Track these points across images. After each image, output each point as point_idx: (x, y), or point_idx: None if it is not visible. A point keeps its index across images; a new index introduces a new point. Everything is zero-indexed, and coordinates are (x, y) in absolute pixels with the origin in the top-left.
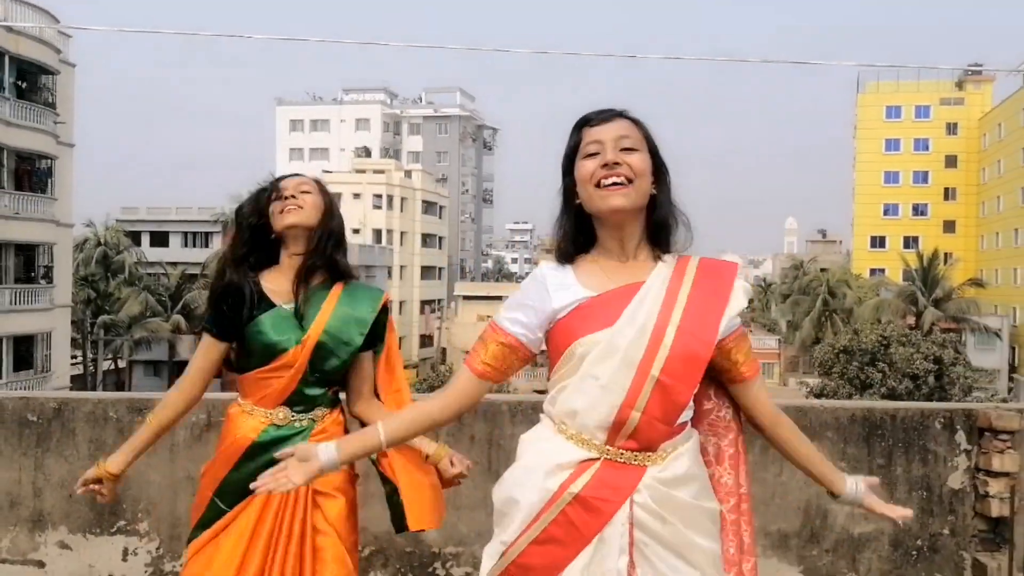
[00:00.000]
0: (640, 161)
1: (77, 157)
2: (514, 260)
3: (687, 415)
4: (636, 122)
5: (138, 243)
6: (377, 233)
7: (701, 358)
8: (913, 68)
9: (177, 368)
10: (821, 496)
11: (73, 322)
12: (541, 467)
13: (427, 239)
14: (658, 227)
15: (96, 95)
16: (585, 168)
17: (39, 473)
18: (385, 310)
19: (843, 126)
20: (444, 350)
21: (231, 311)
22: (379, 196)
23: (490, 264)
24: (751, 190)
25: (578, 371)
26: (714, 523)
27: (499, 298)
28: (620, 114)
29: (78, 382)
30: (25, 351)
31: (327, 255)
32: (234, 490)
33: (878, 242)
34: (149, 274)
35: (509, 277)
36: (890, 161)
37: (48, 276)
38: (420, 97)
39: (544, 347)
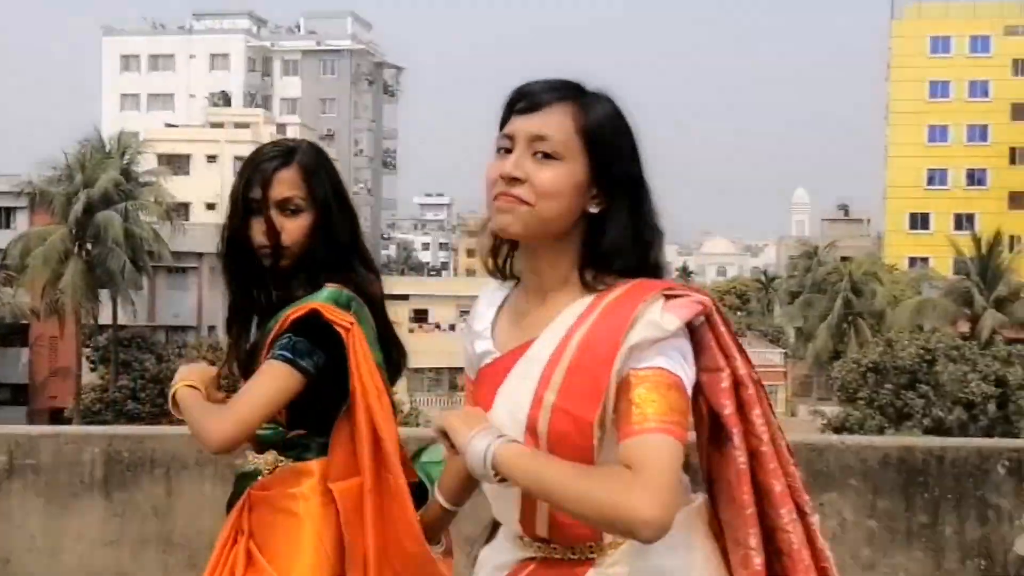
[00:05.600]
0: (554, 178)
1: None
2: (425, 246)
3: None
4: (582, 109)
5: None
6: None
7: (577, 436)
8: None
9: None
10: (843, 566)
11: None
12: (484, 567)
13: None
14: (599, 254)
15: None
16: (490, 170)
17: None
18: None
19: (872, 64)
20: None
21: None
22: (242, 159)
23: (393, 251)
24: (747, 154)
25: None
26: None
27: (404, 297)
28: (560, 97)
29: None
30: None
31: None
32: None
33: (919, 221)
34: None
35: (419, 269)
36: (936, 111)
37: None
38: (298, 25)
39: None
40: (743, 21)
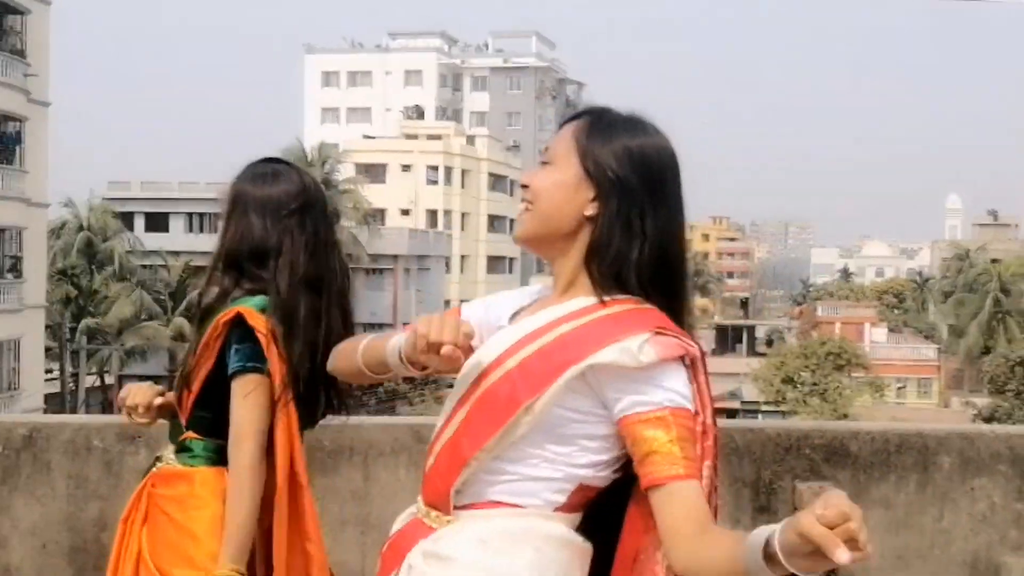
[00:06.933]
0: (543, 176)
1: (54, 118)
2: None
3: (517, 493)
4: (586, 120)
5: (131, 227)
6: (432, 215)
7: (504, 403)
8: None
9: None
10: (992, 546)
11: (48, 327)
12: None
13: (495, 222)
14: (592, 258)
15: (79, 40)
16: None
17: (4, 518)
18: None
19: (1017, 71)
20: None
21: None
22: (434, 168)
23: None
24: (903, 162)
25: None
26: None
27: None
28: (576, 116)
29: (55, 402)
30: None
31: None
32: None
33: None
34: (144, 266)
35: None
36: None
37: (16, 269)
38: (486, 44)
39: None
40: (894, 40)
